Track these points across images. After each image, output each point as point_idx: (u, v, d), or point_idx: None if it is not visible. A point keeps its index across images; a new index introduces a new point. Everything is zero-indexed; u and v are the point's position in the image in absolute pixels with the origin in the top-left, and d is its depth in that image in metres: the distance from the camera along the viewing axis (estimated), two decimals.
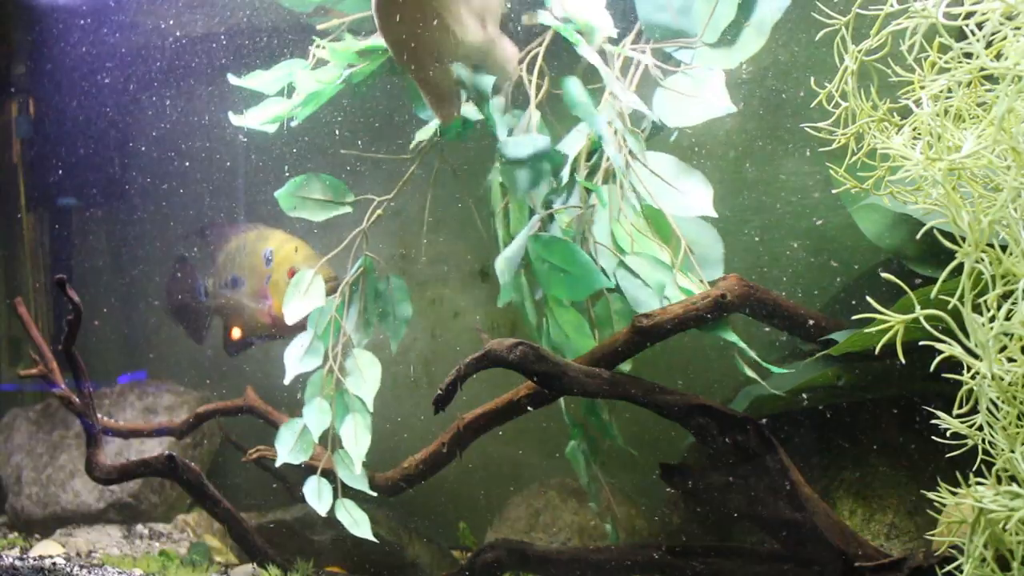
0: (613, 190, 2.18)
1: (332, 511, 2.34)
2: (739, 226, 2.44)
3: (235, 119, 2.50)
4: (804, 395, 2.09)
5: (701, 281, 2.07)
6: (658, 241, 2.12)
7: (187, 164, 3.18)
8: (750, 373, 2.01)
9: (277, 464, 2.42)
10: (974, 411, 1.40)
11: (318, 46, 2.44)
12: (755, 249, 2.41)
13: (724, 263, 2.15)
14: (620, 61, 2.27)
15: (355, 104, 2.67)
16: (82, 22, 3.20)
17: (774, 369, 2.01)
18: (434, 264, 2.86)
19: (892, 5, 1.47)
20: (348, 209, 2.52)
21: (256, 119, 2.49)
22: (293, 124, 2.49)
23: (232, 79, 2.53)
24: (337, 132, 2.77)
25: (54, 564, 2.37)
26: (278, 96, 2.52)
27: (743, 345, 2.00)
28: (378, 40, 2.30)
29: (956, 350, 1.36)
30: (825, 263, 2.32)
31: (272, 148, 2.88)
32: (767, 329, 2.18)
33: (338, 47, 2.38)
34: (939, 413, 1.42)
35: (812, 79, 1.64)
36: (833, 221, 2.30)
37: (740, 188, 2.43)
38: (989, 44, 1.36)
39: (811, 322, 2.12)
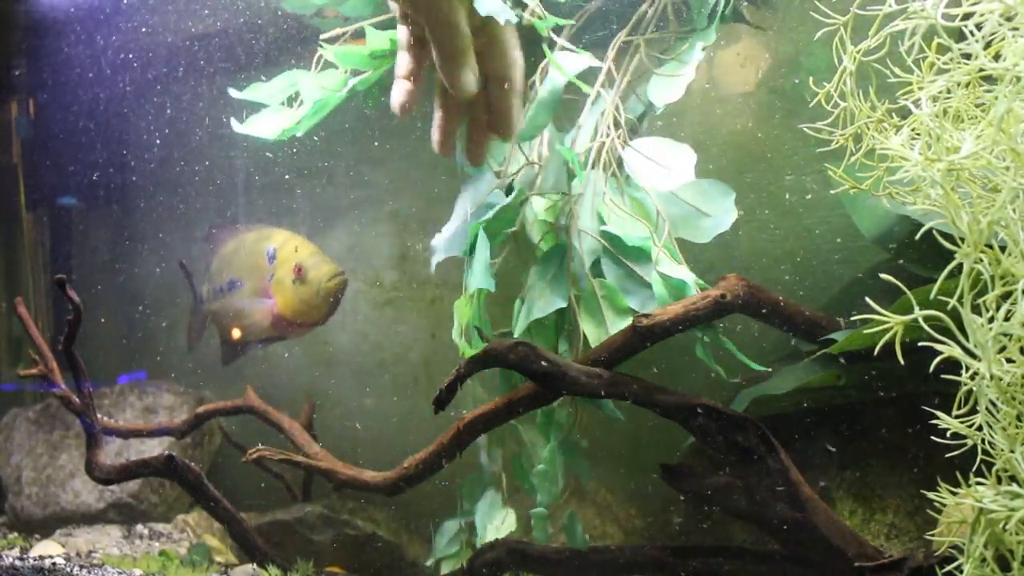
0: (596, 175, 2.18)
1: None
2: (739, 225, 2.44)
3: (238, 127, 2.48)
4: (804, 395, 2.09)
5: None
6: (644, 223, 2.12)
7: (188, 165, 3.19)
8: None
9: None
10: (974, 411, 1.40)
11: (322, 46, 2.42)
12: (755, 249, 2.42)
13: (724, 263, 2.15)
14: (614, 51, 2.28)
15: (355, 106, 2.67)
16: (83, 22, 3.20)
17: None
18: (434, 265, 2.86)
19: (891, 5, 1.48)
20: None
21: (259, 129, 2.46)
22: (299, 134, 2.47)
23: (233, 93, 2.51)
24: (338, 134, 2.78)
25: (54, 564, 2.37)
26: (282, 105, 2.49)
27: (718, 366, 2.01)
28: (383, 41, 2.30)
29: (955, 351, 1.36)
30: (825, 263, 2.32)
31: (273, 149, 2.88)
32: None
33: (345, 50, 2.36)
34: (939, 413, 1.43)
35: (811, 79, 1.65)
36: (832, 221, 2.31)
37: (740, 188, 2.43)
38: (988, 45, 1.36)
39: (812, 322, 2.12)
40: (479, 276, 2.11)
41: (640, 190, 2.16)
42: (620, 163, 2.19)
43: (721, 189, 2.10)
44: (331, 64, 2.42)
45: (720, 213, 2.08)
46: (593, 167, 2.20)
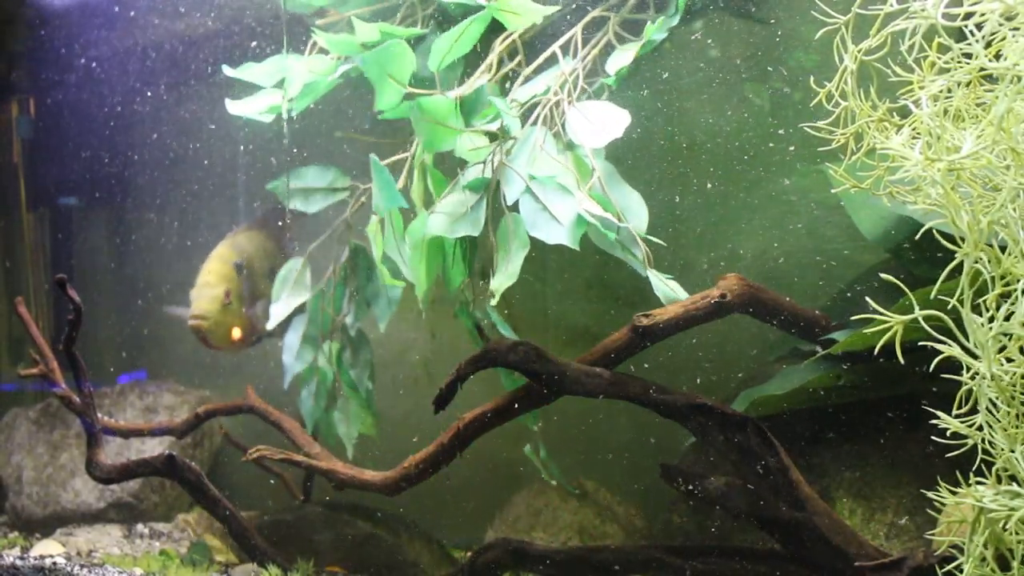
0: (538, 129, 2.20)
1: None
2: (738, 225, 2.44)
3: (231, 106, 2.49)
4: (804, 395, 2.09)
5: (619, 216, 2.08)
6: (572, 171, 2.13)
7: (187, 163, 3.18)
8: None
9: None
10: (974, 411, 1.40)
11: (314, 31, 2.42)
12: (755, 248, 2.42)
13: (724, 262, 2.14)
14: (582, 25, 2.31)
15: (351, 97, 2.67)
16: (83, 22, 3.20)
17: None
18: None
19: (892, 5, 1.48)
20: (343, 196, 2.52)
21: (252, 108, 2.48)
22: (293, 114, 2.48)
23: (227, 70, 2.52)
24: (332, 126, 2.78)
25: (54, 563, 2.38)
26: (274, 88, 2.50)
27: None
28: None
29: (955, 350, 1.36)
30: (825, 263, 2.32)
31: (270, 147, 2.88)
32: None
33: (336, 37, 2.37)
34: (939, 413, 1.43)
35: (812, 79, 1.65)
36: (832, 221, 2.31)
37: (740, 187, 2.43)
38: (988, 44, 1.36)
39: (812, 322, 2.12)
40: (387, 196, 2.19)
41: (580, 148, 2.18)
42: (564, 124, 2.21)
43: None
44: (323, 52, 2.43)
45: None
46: (535, 123, 2.21)
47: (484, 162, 2.21)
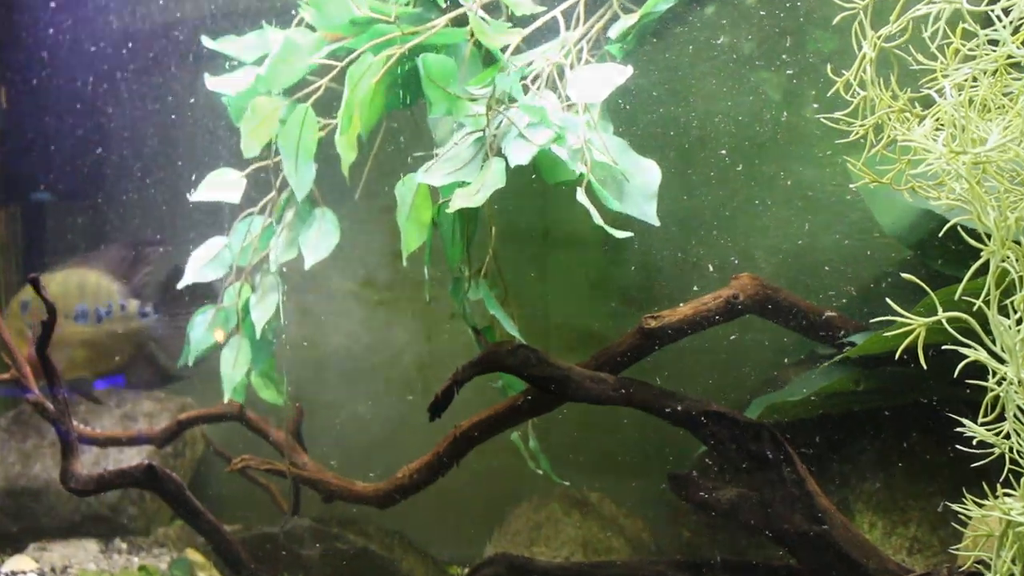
0: (543, 92, 2.22)
1: None
2: (751, 221, 2.44)
3: (210, 82, 2.48)
4: (821, 401, 2.10)
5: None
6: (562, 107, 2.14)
7: (166, 157, 3.19)
8: None
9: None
10: (1001, 418, 1.40)
11: (301, 6, 2.41)
12: (769, 246, 2.42)
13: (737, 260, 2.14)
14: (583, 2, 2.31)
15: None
16: (58, 10, 3.20)
17: None
18: (431, 264, 2.87)
19: None
20: None
21: (231, 85, 2.46)
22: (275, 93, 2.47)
23: (206, 42, 2.51)
24: None
25: None
26: (256, 64, 2.49)
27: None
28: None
29: (981, 354, 1.36)
30: (844, 261, 2.32)
31: None
32: None
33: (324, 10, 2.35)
34: (964, 420, 1.43)
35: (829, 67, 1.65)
36: (851, 216, 2.31)
37: (753, 181, 2.44)
38: (1016, 30, 1.36)
39: (829, 324, 2.12)
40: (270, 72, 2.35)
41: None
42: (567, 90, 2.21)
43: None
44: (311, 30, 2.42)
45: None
46: (539, 88, 2.22)
47: (485, 127, 2.20)
